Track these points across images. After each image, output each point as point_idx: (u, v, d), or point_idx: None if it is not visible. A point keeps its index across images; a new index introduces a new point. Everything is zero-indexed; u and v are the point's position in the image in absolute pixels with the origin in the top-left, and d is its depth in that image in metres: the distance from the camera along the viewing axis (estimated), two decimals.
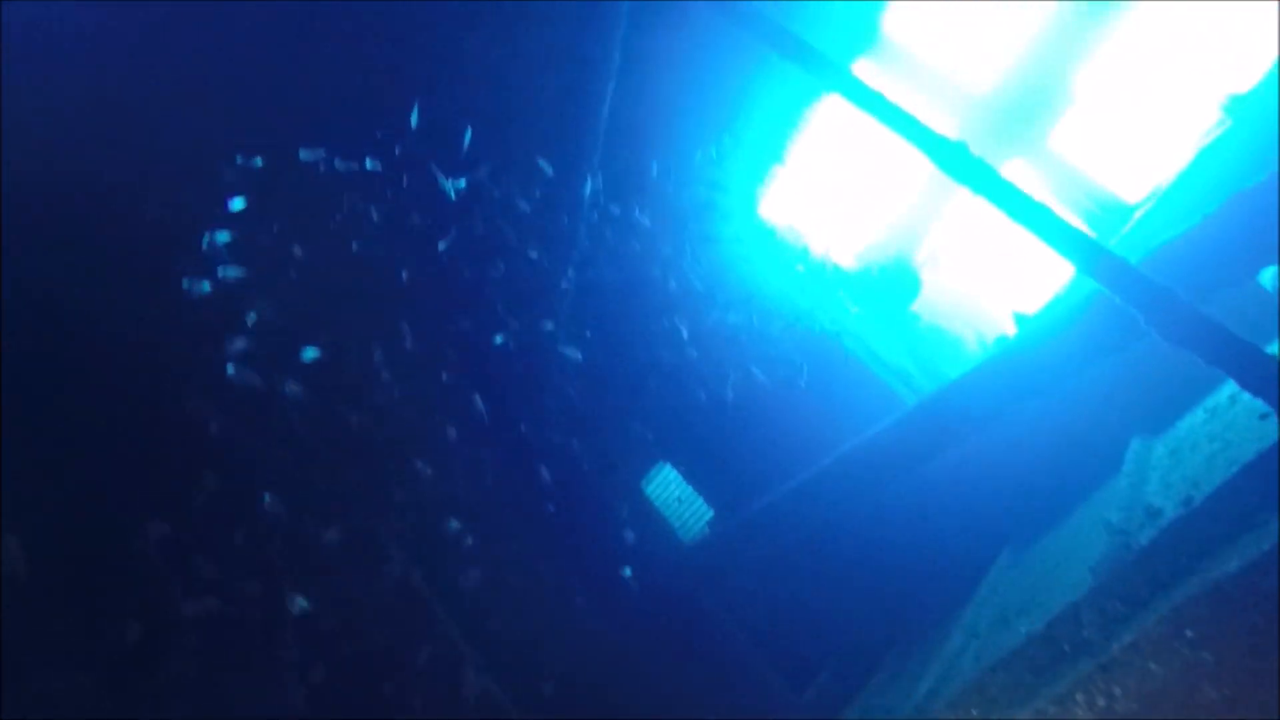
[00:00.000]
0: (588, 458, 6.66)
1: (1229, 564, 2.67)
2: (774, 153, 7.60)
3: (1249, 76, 5.08)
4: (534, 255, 5.60)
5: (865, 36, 7.23)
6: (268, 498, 4.38)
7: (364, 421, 4.92)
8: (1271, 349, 4.50)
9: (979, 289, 9.55)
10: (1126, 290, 2.83)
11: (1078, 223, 6.62)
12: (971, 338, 8.70)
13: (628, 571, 5.99)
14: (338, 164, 5.05)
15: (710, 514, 8.05)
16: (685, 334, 7.01)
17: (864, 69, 7.50)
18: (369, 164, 5.16)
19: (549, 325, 6.05)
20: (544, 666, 5.16)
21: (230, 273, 4.56)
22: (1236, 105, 5.10)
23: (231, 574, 4.24)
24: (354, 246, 5.06)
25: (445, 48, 5.28)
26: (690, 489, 8.22)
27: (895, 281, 7.91)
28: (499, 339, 5.74)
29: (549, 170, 5.35)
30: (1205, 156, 5.01)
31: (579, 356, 6.40)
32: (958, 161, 3.28)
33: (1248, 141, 4.55)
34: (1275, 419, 3.15)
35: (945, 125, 7.40)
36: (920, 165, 7.60)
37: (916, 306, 8.18)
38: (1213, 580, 2.64)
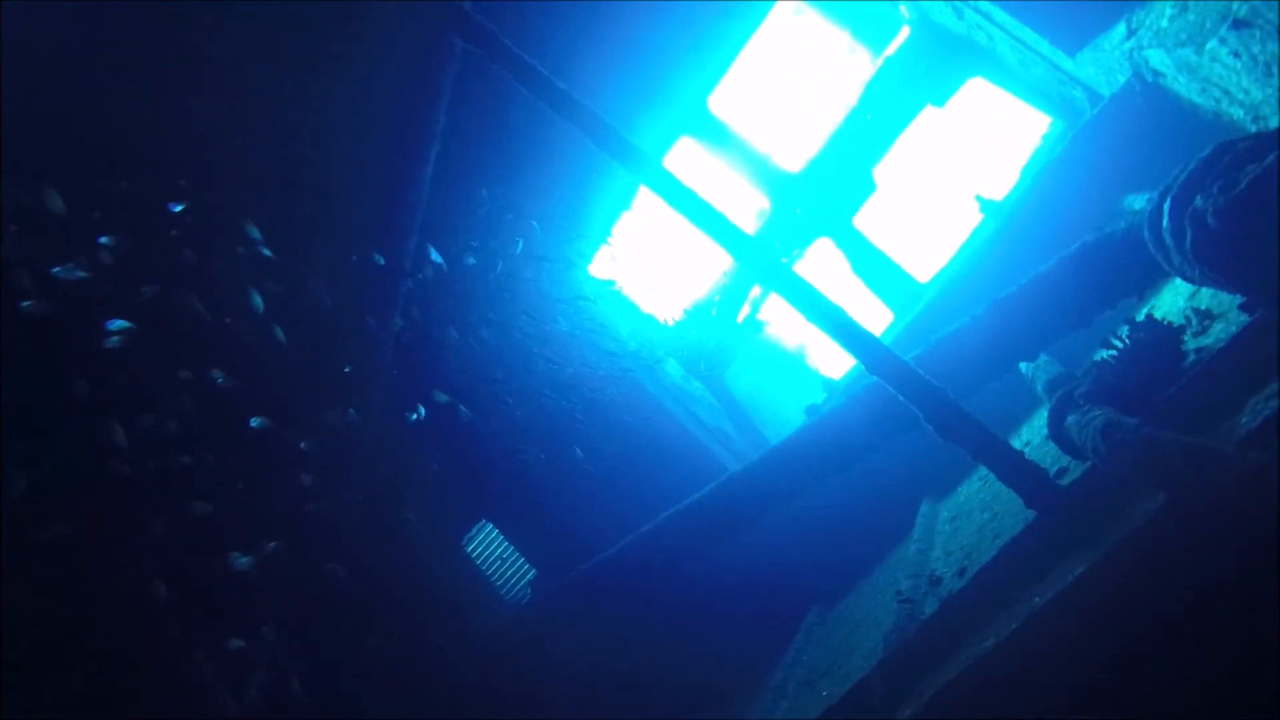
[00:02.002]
0: (409, 516, 6.36)
1: (986, 641, 2.94)
2: (608, 221, 7.74)
3: (1006, 183, 5.83)
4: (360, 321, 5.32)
5: (693, 112, 7.56)
6: None
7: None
8: (1017, 435, 5.10)
9: (796, 351, 10.18)
10: (905, 388, 3.09)
11: (876, 300, 7.25)
12: (788, 400, 9.22)
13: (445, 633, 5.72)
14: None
15: (532, 573, 7.91)
16: (508, 393, 6.92)
17: (688, 146, 7.84)
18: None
19: (375, 388, 5.76)
20: None
21: None
22: (991, 208, 5.82)
23: None
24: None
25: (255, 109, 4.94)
26: (512, 548, 8.04)
27: (717, 344, 8.24)
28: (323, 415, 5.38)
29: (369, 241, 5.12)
30: (972, 250, 5.64)
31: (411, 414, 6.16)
32: (751, 256, 3.47)
33: (1005, 246, 5.18)
34: None
35: (758, 200, 7.89)
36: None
37: (736, 369, 8.57)
38: (974, 657, 2.89)
